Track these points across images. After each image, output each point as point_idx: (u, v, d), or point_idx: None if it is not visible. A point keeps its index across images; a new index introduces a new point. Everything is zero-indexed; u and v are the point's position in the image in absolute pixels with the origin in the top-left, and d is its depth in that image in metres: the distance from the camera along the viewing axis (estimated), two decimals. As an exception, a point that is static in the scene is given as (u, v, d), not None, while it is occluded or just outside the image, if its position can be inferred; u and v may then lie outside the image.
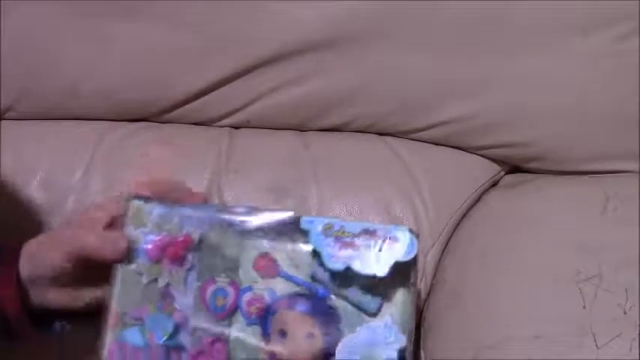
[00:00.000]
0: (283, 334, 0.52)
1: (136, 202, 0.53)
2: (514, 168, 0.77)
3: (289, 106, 0.73)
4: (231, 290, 0.53)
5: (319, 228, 0.52)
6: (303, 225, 0.53)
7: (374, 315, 0.52)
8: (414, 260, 0.52)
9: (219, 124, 0.76)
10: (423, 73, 0.70)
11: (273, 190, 0.71)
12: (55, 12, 0.70)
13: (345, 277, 0.52)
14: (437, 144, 0.75)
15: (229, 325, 0.53)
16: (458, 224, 0.73)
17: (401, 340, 0.51)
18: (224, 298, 0.53)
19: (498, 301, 0.61)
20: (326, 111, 0.74)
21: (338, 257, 0.51)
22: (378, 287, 0.52)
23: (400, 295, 0.52)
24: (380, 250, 0.51)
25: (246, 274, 0.54)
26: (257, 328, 0.53)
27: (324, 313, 0.52)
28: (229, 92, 0.73)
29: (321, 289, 0.53)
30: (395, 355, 0.51)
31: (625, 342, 0.52)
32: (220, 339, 0.53)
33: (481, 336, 0.59)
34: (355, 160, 0.74)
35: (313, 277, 0.53)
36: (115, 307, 0.52)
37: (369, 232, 0.52)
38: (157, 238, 0.53)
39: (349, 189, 0.72)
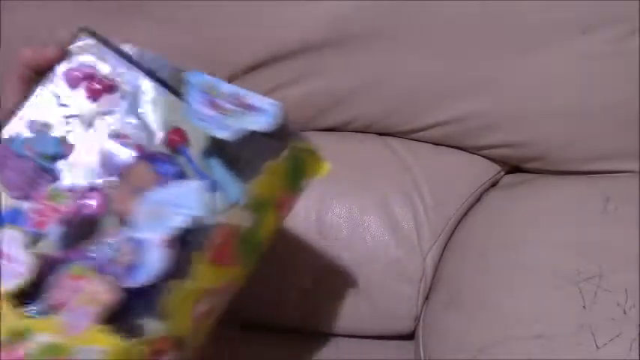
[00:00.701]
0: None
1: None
2: (514, 168, 0.77)
3: (289, 106, 0.73)
4: None
5: (200, 82, 0.48)
6: (187, 76, 0.48)
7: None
8: (276, 143, 0.47)
9: (219, 124, 0.76)
10: (423, 73, 0.70)
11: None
12: (55, 12, 0.70)
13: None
14: (437, 144, 0.75)
15: None
16: (458, 224, 0.73)
17: (205, 209, 0.45)
18: None
19: (498, 301, 0.61)
20: (326, 111, 0.74)
21: (202, 116, 0.47)
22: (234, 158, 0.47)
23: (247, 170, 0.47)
24: (238, 116, 0.46)
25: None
26: None
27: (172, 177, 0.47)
28: (229, 92, 0.73)
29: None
30: (187, 222, 0.44)
31: (625, 342, 0.52)
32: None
33: (481, 336, 0.59)
34: (355, 160, 0.74)
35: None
36: (20, 113, 0.48)
37: (236, 97, 0.48)
38: (83, 68, 0.49)
39: (349, 189, 0.72)
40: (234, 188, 0.46)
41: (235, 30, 0.70)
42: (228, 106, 0.47)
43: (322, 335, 0.74)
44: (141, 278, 0.43)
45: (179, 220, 0.44)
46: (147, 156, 0.47)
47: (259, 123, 0.46)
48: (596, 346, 0.53)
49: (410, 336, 0.72)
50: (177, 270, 0.44)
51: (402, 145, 0.75)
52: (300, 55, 0.70)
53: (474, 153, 0.75)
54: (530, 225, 0.67)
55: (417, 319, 0.71)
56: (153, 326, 0.45)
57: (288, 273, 0.71)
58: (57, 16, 0.70)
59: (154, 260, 0.44)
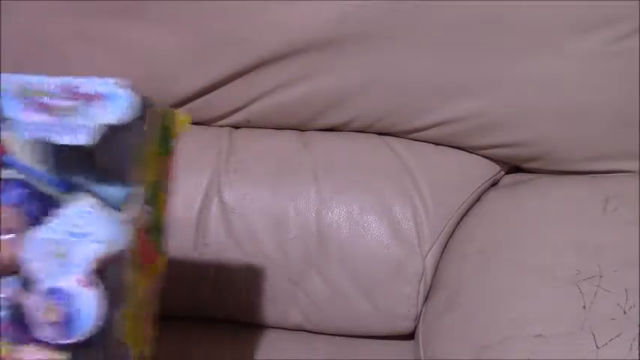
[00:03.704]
0: None
1: None
2: (514, 168, 0.77)
3: (289, 105, 0.73)
4: None
5: (13, 87, 0.41)
6: None
7: (115, 207, 0.42)
8: (137, 125, 0.42)
9: (219, 123, 0.76)
10: (423, 72, 0.70)
11: (273, 190, 0.71)
12: (55, 11, 0.70)
13: (47, 151, 0.42)
14: (437, 144, 0.75)
15: None
16: (458, 224, 0.73)
17: (105, 228, 0.41)
18: None
19: (498, 301, 0.61)
20: (326, 111, 0.74)
21: (31, 125, 0.41)
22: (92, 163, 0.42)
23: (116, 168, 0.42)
24: (83, 112, 0.41)
25: None
26: None
27: (35, 204, 0.43)
28: (229, 92, 0.73)
29: (38, 172, 0.43)
30: (94, 249, 0.41)
31: (625, 342, 0.52)
32: None
33: (481, 336, 0.59)
34: (355, 160, 0.74)
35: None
36: None
37: (69, 90, 0.41)
38: None
39: (349, 189, 0.72)
40: (118, 190, 0.43)
41: (235, 30, 0.70)
42: (64, 103, 0.41)
43: (322, 335, 0.74)
44: (82, 328, 0.41)
45: (88, 252, 0.41)
46: None
47: (114, 113, 0.41)
48: (596, 346, 0.53)
49: (410, 336, 0.72)
50: (115, 299, 0.41)
51: (402, 145, 0.75)
52: (300, 55, 0.70)
53: (473, 153, 0.75)
54: (530, 225, 0.67)
55: (417, 319, 0.71)
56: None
57: (287, 272, 0.71)
58: (57, 17, 0.70)
59: (85, 304, 0.41)
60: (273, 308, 0.72)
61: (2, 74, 0.42)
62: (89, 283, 0.41)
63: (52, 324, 0.41)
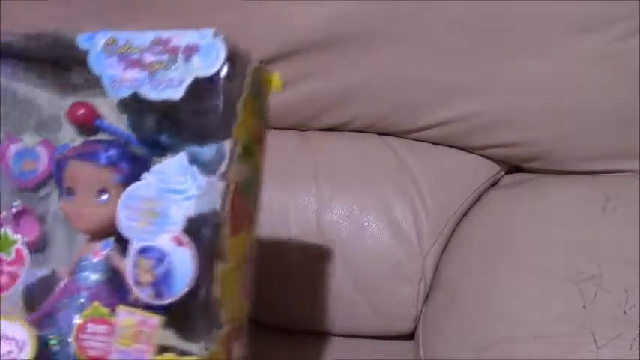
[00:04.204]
0: (70, 192, 0.43)
1: None
2: (514, 168, 0.77)
3: (289, 106, 0.73)
4: (43, 152, 0.45)
5: (100, 45, 0.40)
6: (82, 44, 0.41)
7: (207, 167, 0.40)
8: (232, 79, 0.39)
9: (219, 124, 0.76)
10: (423, 72, 0.70)
11: (273, 190, 0.71)
12: (59, 6, 0.70)
13: (138, 108, 0.42)
14: (437, 144, 0.75)
15: (45, 197, 0.45)
16: (458, 224, 0.73)
17: (199, 186, 0.40)
18: (34, 162, 0.45)
19: (498, 301, 0.61)
20: (326, 111, 0.74)
21: (122, 81, 0.39)
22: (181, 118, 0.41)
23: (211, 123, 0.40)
24: (175, 65, 0.39)
25: (66, 131, 0.45)
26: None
27: (127, 165, 0.42)
28: (229, 92, 0.73)
29: (128, 135, 0.43)
30: (189, 207, 0.39)
31: (625, 342, 0.52)
32: (29, 212, 0.45)
33: (481, 336, 0.59)
34: (355, 160, 0.74)
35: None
36: None
37: (160, 43, 0.39)
38: None
39: (349, 189, 0.72)
40: (211, 149, 0.41)
41: (235, 30, 0.70)
42: (155, 58, 0.39)
43: (322, 335, 0.74)
44: (177, 288, 0.39)
45: (183, 210, 0.39)
46: (76, 154, 0.43)
47: (206, 66, 0.38)
48: (596, 346, 0.53)
49: (410, 336, 0.72)
50: (209, 258, 0.40)
51: (402, 145, 0.75)
52: (300, 55, 0.70)
53: (473, 153, 0.75)
54: (530, 225, 0.67)
55: (417, 319, 0.71)
56: (214, 325, 0.41)
57: (287, 273, 0.71)
58: (61, 11, 0.70)
59: (180, 264, 0.39)
60: (271, 307, 0.72)
61: (86, 35, 0.41)
62: (184, 242, 0.39)
63: (147, 284, 0.39)
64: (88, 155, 0.43)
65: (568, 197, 0.69)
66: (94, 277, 0.43)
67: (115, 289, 0.42)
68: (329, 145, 0.75)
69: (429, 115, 0.72)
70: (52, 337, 0.42)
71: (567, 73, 0.68)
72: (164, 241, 0.39)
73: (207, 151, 0.41)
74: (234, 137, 0.40)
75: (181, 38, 0.39)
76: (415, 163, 0.74)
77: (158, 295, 0.39)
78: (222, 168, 0.40)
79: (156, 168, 0.40)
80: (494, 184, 0.76)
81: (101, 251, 0.44)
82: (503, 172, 0.76)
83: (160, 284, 0.39)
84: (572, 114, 0.70)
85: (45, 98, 0.45)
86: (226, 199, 0.40)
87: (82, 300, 0.43)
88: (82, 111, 0.44)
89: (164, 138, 0.43)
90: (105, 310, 0.41)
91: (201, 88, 0.39)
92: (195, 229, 0.40)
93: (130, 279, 0.40)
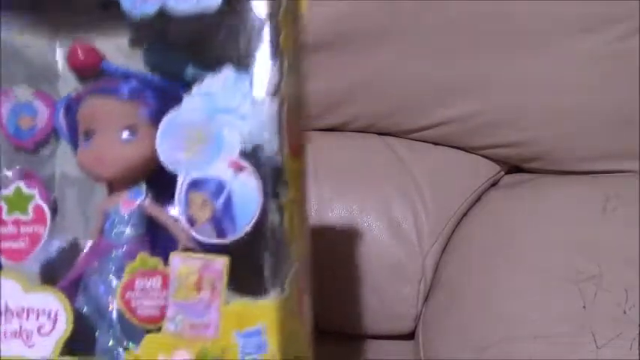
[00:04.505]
0: (89, 134, 0.38)
1: None
2: (514, 168, 0.77)
3: (289, 106, 0.73)
4: (41, 106, 0.39)
5: None
6: None
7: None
8: None
9: (219, 124, 0.76)
10: (423, 72, 0.70)
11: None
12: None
13: (159, 34, 0.37)
14: (437, 144, 0.75)
15: (49, 158, 0.40)
16: (458, 224, 0.73)
17: (253, 102, 0.34)
18: (31, 118, 0.39)
19: (498, 301, 0.61)
20: (326, 111, 0.74)
21: None
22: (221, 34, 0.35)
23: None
24: None
25: (67, 81, 0.40)
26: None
27: (153, 97, 0.37)
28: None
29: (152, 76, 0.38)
30: (244, 127, 0.34)
31: (625, 342, 0.52)
32: (31, 176, 0.39)
33: (481, 336, 0.59)
34: (355, 160, 0.74)
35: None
36: None
37: None
38: None
39: (349, 189, 0.72)
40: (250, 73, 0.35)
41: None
42: None
43: (322, 334, 0.73)
44: (242, 222, 0.34)
45: (235, 132, 0.34)
46: (91, 89, 0.38)
47: None
48: (596, 346, 0.53)
49: (410, 336, 0.72)
50: (273, 184, 0.35)
51: (402, 145, 0.75)
52: (300, 55, 0.70)
53: (473, 153, 0.75)
54: (530, 225, 0.67)
55: (417, 319, 0.71)
56: (286, 264, 0.35)
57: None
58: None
59: (240, 194, 0.33)
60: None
61: None
62: (243, 167, 0.34)
63: (205, 222, 0.34)
64: (108, 89, 0.37)
65: (568, 197, 0.69)
66: (128, 232, 0.38)
67: (157, 242, 0.38)
68: (329, 145, 0.75)
69: (429, 115, 0.72)
70: (85, 306, 0.37)
71: (567, 73, 0.68)
72: (220, 169, 0.34)
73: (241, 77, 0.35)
74: (282, 48, 0.35)
75: None
76: (415, 163, 0.74)
77: (220, 232, 0.34)
78: (273, 83, 0.35)
79: (198, 88, 0.35)
80: (494, 184, 0.76)
81: (132, 201, 0.38)
82: (503, 172, 0.76)
83: (220, 220, 0.34)
84: (572, 114, 0.70)
85: (34, 44, 0.39)
86: (282, 117, 0.35)
87: (118, 259, 0.37)
88: (84, 52, 0.38)
89: (190, 70, 0.38)
90: (154, 260, 0.35)
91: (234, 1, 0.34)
92: (253, 152, 0.34)
93: (182, 221, 0.34)
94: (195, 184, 0.34)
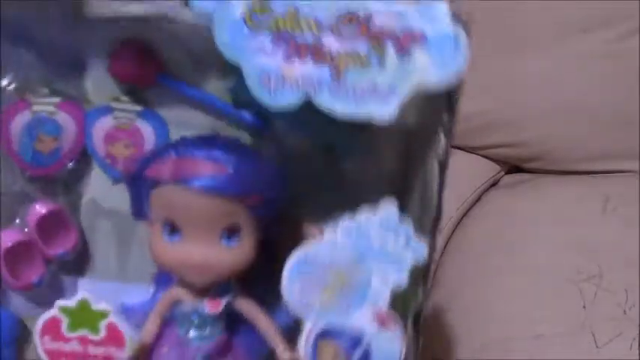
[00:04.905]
0: (175, 229, 0.31)
1: None
2: (514, 168, 0.77)
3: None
4: (67, 120, 0.29)
5: (237, 11, 0.26)
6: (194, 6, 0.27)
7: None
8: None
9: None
10: (423, 73, 0.70)
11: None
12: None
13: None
14: (437, 144, 0.75)
15: (74, 181, 0.30)
16: (458, 224, 0.73)
17: (416, 250, 0.28)
18: (54, 138, 0.28)
19: (498, 300, 0.61)
20: (326, 111, 0.74)
21: (283, 79, 0.26)
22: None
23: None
24: (381, 62, 0.26)
25: (98, 82, 0.29)
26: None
27: (266, 182, 0.30)
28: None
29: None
30: (400, 277, 0.29)
31: (625, 342, 0.52)
32: (54, 211, 0.29)
33: (481, 335, 0.59)
34: (355, 160, 0.74)
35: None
36: None
37: (355, 20, 0.26)
38: None
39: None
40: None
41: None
42: (345, 46, 0.25)
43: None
44: None
45: (391, 277, 0.30)
46: (170, 174, 0.29)
47: (439, 67, 0.25)
48: (596, 346, 0.53)
49: (410, 336, 0.72)
50: (415, 336, 0.31)
51: (402, 145, 0.75)
52: (300, 55, 0.70)
53: (474, 153, 0.75)
54: (530, 225, 0.67)
55: (417, 319, 0.71)
56: None
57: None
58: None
59: (383, 348, 0.29)
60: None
61: None
62: (388, 321, 0.29)
63: None
64: (207, 184, 0.28)
65: (568, 197, 0.69)
66: (207, 332, 0.32)
67: (248, 344, 0.33)
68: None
69: (429, 115, 0.72)
70: None
71: (567, 73, 0.68)
72: (361, 320, 0.29)
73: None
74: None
75: (393, 16, 0.25)
76: (415, 163, 0.74)
77: None
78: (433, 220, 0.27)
79: (347, 222, 0.29)
80: (494, 184, 0.76)
81: (219, 301, 0.32)
82: (503, 172, 0.76)
83: None
84: (572, 114, 0.70)
85: (56, 35, 0.28)
86: (431, 260, 0.28)
87: None
88: (134, 61, 0.27)
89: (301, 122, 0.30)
90: None
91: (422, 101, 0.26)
92: (400, 301, 0.29)
93: None
94: (327, 333, 0.30)
